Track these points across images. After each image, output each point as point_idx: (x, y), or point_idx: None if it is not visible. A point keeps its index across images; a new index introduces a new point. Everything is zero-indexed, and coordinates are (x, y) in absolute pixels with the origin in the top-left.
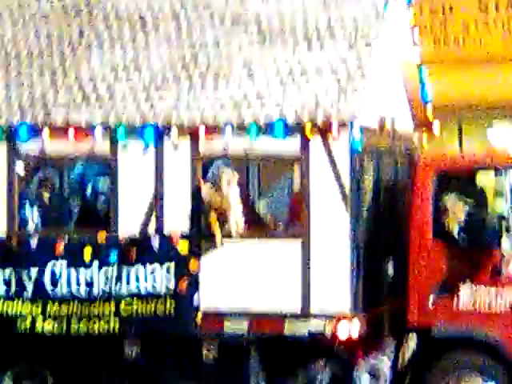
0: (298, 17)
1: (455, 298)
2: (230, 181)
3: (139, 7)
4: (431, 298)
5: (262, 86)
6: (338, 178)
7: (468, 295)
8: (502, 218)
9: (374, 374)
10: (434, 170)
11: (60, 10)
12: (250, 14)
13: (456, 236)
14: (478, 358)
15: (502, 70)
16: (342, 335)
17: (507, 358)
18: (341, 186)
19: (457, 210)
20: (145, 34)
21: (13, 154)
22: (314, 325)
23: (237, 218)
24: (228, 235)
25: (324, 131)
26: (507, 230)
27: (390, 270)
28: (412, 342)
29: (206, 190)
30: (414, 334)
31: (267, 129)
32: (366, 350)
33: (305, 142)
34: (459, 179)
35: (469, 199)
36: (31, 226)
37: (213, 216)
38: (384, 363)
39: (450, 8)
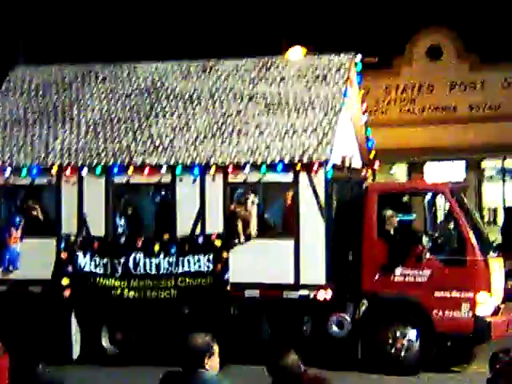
0: (290, 95)
1: (392, 274)
2: (253, 201)
3: (188, 89)
4: (377, 274)
5: (268, 140)
6: (317, 198)
7: (400, 272)
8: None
9: (340, 326)
10: (377, 193)
11: (138, 91)
12: (259, 93)
13: (392, 235)
14: (406, 313)
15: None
16: (320, 298)
17: (425, 313)
18: (319, 203)
19: (392, 219)
20: (192, 107)
21: (108, 183)
22: (302, 292)
23: (254, 225)
24: (248, 235)
25: (308, 168)
26: (426, 232)
27: (350, 257)
28: (364, 304)
29: (236, 207)
30: (365, 299)
31: (272, 167)
32: (335, 308)
33: (296, 175)
34: (395, 199)
35: (400, 212)
36: (120, 230)
37: (238, 223)
38: (346, 318)
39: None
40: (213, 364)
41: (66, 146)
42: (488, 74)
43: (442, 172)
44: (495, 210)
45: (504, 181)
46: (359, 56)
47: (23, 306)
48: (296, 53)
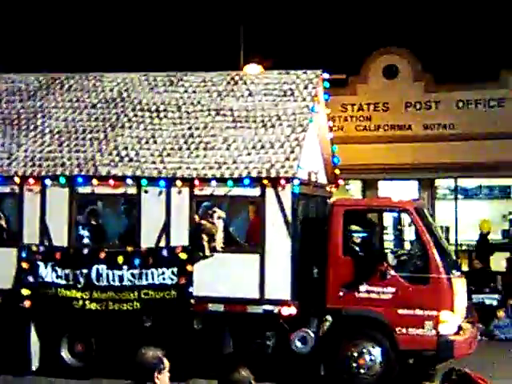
0: (258, 109)
1: (356, 291)
2: (219, 216)
3: (155, 101)
4: (341, 291)
5: (235, 154)
6: (283, 213)
7: (364, 289)
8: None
9: (304, 341)
10: (342, 209)
11: (104, 101)
12: (226, 107)
13: (357, 252)
14: (370, 330)
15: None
16: (285, 314)
17: (389, 330)
18: (285, 217)
19: (356, 236)
20: (159, 119)
21: (71, 194)
22: (267, 307)
23: (219, 239)
24: (213, 249)
25: (275, 183)
26: (390, 249)
27: (315, 273)
28: (328, 320)
29: (201, 221)
30: (329, 315)
31: (239, 181)
32: (298, 324)
33: (263, 190)
34: (359, 216)
35: (365, 229)
36: (84, 241)
37: (204, 237)
38: (310, 334)
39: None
40: (163, 379)
41: (30, 154)
42: (442, 94)
43: (396, 190)
44: (448, 229)
45: (456, 199)
46: (326, 74)
47: None
48: (253, 70)
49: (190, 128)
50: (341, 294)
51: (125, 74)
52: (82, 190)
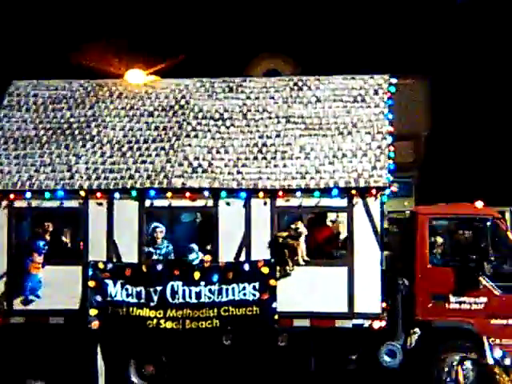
0: (330, 117)
1: (446, 302)
2: (302, 232)
3: (216, 109)
4: (431, 302)
5: (317, 163)
6: (372, 223)
7: (455, 299)
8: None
9: (392, 355)
10: (428, 217)
11: (160, 109)
12: (296, 115)
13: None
14: (462, 342)
15: None
16: (376, 327)
17: (478, 340)
18: (374, 228)
19: (444, 246)
20: (225, 127)
21: (141, 207)
22: (356, 321)
23: (302, 253)
24: (297, 263)
25: (364, 193)
26: (487, 258)
27: (401, 284)
28: (416, 333)
29: (283, 234)
30: (417, 327)
31: (326, 191)
32: (384, 337)
33: (350, 200)
34: (446, 224)
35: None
36: (155, 256)
37: (286, 251)
38: (398, 347)
39: None
40: None
41: (91, 166)
42: None
43: None
44: None
45: None
46: (394, 78)
47: (43, 338)
48: (135, 76)
49: (261, 137)
50: (430, 305)
51: (178, 79)
52: (153, 202)
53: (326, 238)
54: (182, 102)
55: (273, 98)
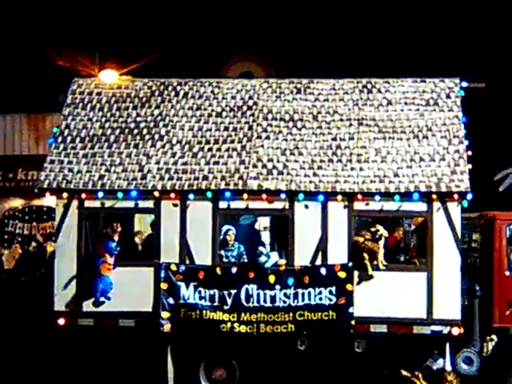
0: (403, 120)
1: None
2: (382, 234)
3: (286, 110)
4: (509, 309)
5: (394, 167)
6: (452, 229)
7: None
8: None
9: (469, 362)
10: (505, 223)
11: (228, 109)
12: (368, 117)
13: None
14: None
15: None
16: (455, 334)
17: None
18: (455, 234)
19: None
20: (297, 129)
21: (216, 210)
22: (435, 328)
23: (381, 257)
24: (376, 268)
25: (445, 198)
26: None
27: (477, 290)
28: (493, 340)
29: (362, 238)
30: (494, 334)
31: (407, 195)
32: (461, 344)
33: (429, 204)
34: None
35: None
36: (229, 259)
37: (365, 256)
38: (475, 354)
39: None
40: None
41: (163, 166)
42: None
43: None
44: None
45: None
46: (465, 82)
47: (113, 341)
48: (109, 76)
49: (334, 139)
50: (508, 312)
51: (243, 80)
52: (229, 204)
53: (396, 243)
54: (250, 102)
55: (342, 99)
